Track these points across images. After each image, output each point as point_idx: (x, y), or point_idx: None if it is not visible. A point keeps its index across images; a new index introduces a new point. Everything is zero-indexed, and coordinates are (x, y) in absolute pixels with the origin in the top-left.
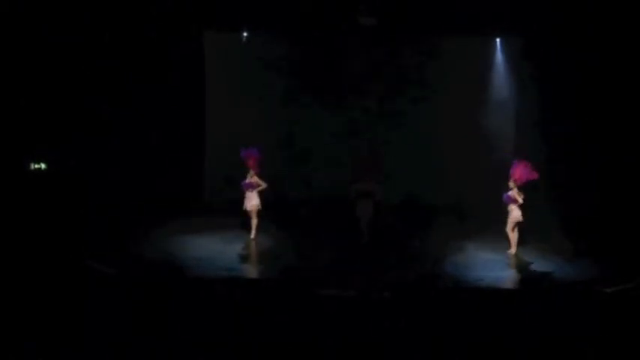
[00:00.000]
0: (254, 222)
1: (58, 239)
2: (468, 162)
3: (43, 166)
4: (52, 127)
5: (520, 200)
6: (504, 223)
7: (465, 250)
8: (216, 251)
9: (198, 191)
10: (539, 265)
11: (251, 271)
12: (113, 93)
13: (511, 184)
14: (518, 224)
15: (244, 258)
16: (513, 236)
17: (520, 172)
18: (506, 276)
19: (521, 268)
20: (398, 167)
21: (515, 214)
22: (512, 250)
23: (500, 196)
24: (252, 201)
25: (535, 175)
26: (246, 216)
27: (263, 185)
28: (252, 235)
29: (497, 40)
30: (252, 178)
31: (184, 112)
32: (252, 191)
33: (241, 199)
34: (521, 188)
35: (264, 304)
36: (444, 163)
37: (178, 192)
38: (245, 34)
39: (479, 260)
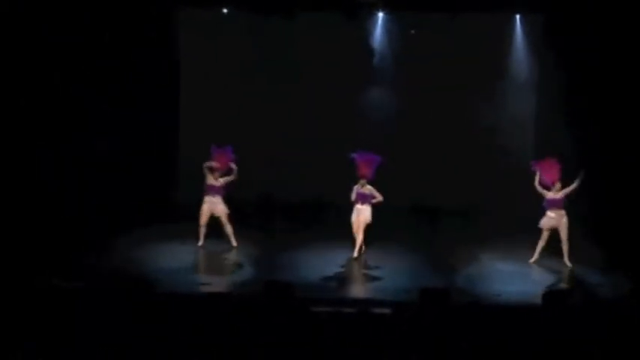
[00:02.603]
0: (229, 229)
1: (13, 254)
2: (482, 158)
3: None
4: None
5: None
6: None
7: (480, 260)
8: (191, 262)
9: (171, 194)
10: (566, 278)
11: (232, 285)
12: (73, 87)
13: (557, 186)
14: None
15: (224, 270)
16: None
17: (548, 171)
18: (528, 290)
19: (546, 280)
20: (403, 165)
21: (565, 220)
22: (568, 261)
23: (525, 196)
24: (219, 205)
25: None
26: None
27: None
28: (234, 243)
29: (517, 17)
30: (216, 177)
31: (154, 105)
32: (217, 196)
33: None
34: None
35: (248, 324)
36: (455, 159)
37: (149, 195)
38: (225, 10)
39: (496, 272)
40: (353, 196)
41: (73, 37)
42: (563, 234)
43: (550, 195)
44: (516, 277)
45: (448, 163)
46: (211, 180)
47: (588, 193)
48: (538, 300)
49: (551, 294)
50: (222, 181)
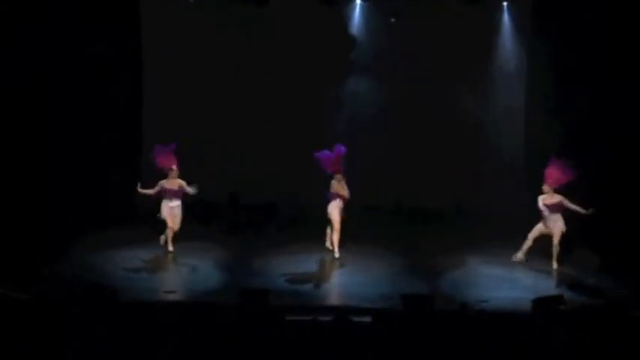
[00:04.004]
0: (172, 234)
1: None
2: (470, 154)
3: None
4: None
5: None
6: (526, 230)
7: (466, 264)
8: (156, 268)
9: (132, 196)
10: (557, 283)
11: (200, 292)
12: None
13: (545, 187)
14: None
15: (191, 276)
16: (558, 250)
17: (556, 173)
18: (517, 296)
19: (536, 286)
20: (384, 162)
21: (560, 224)
22: (555, 265)
23: (515, 195)
24: (178, 210)
25: (571, 175)
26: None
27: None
28: (171, 248)
29: (504, 4)
30: (173, 181)
31: (115, 100)
32: (178, 199)
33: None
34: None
35: (220, 334)
36: (441, 156)
37: (109, 197)
38: None
39: (483, 277)
40: (347, 193)
41: (31, 30)
42: (556, 238)
43: (545, 199)
44: (505, 283)
45: (433, 159)
46: (170, 183)
47: (578, 192)
48: (528, 306)
49: (541, 300)
50: (178, 183)
